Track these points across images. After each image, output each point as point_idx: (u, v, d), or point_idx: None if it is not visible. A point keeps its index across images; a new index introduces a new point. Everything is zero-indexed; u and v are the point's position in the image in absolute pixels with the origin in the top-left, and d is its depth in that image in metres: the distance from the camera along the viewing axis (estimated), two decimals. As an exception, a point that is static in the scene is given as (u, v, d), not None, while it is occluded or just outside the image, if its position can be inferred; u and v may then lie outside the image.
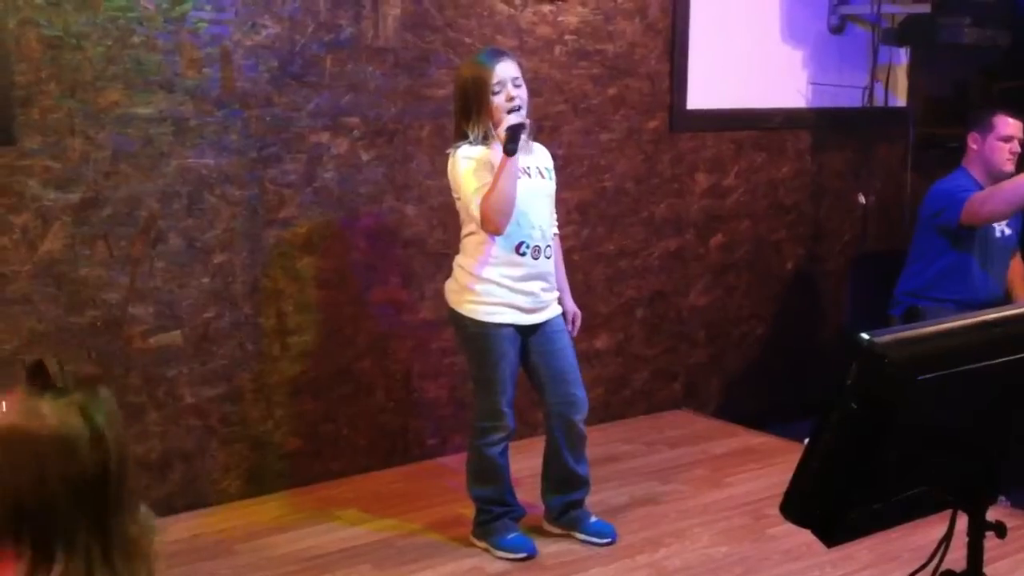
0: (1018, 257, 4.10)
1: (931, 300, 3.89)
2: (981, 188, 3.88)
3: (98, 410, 1.34)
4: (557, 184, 3.13)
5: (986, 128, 3.87)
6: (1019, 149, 3.89)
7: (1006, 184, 3.73)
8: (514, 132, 2.85)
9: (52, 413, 1.32)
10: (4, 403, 1.35)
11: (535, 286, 3.01)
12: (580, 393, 3.12)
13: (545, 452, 3.18)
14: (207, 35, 3.26)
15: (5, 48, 2.96)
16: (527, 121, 2.89)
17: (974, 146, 3.91)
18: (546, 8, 3.92)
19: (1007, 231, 3.97)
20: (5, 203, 3.03)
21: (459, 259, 3.05)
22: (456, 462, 3.34)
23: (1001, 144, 3.86)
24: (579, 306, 3.29)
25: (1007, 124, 3.86)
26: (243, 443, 3.51)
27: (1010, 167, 3.89)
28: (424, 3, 3.65)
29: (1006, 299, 4.00)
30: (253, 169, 3.40)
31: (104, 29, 3.10)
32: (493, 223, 2.87)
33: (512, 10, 3.85)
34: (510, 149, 2.86)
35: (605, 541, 3.17)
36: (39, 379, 1.35)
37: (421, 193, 3.71)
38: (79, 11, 3.06)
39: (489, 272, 2.96)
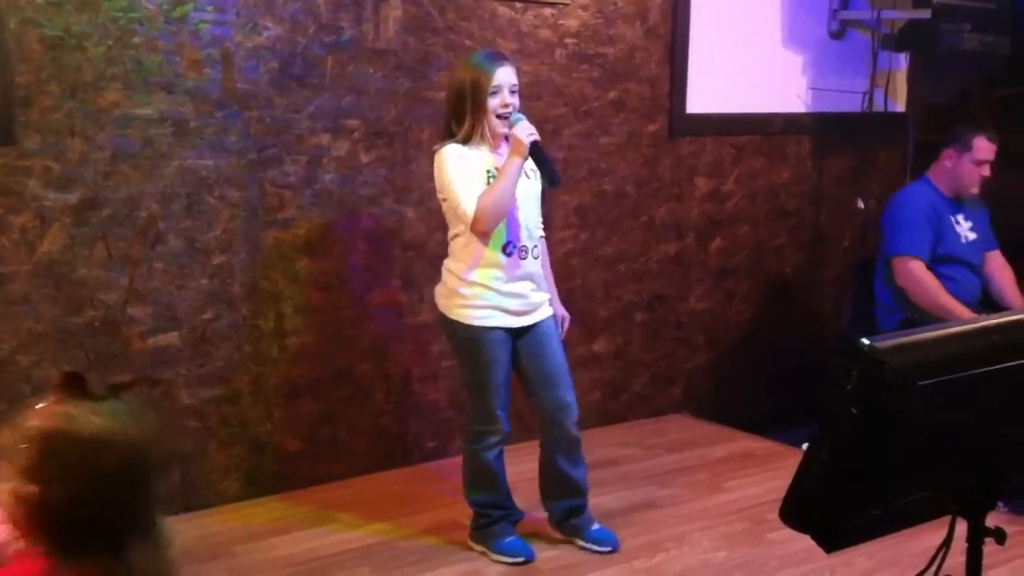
0: (1003, 262, 4.10)
1: (909, 311, 3.89)
2: (944, 200, 3.91)
3: (128, 415, 1.43)
4: (560, 180, 3.13)
5: (963, 147, 3.88)
6: (989, 173, 3.91)
7: (944, 301, 3.76)
8: (538, 150, 2.89)
9: (86, 417, 1.39)
10: (43, 408, 1.41)
11: (523, 287, 3.01)
12: (569, 397, 3.10)
13: (540, 457, 3.18)
14: (208, 36, 3.26)
15: (6, 48, 2.96)
16: (538, 136, 2.91)
17: (947, 163, 3.93)
18: (547, 11, 3.92)
19: (971, 236, 3.98)
20: (4, 203, 3.02)
21: (447, 263, 3.05)
22: (455, 465, 3.34)
23: (974, 168, 3.88)
24: (578, 310, 3.29)
25: (984, 148, 3.86)
26: (242, 445, 3.50)
27: (975, 190, 3.94)
28: (425, 5, 3.65)
29: (987, 303, 3.99)
30: (253, 170, 3.40)
31: (105, 29, 3.10)
32: (485, 224, 2.87)
33: (513, 13, 3.85)
34: (555, 183, 2.96)
35: (606, 549, 3.15)
36: (73, 388, 1.42)
37: (421, 195, 3.71)
38: (80, 11, 3.06)
39: (477, 275, 2.96)
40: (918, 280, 3.84)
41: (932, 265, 3.88)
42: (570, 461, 3.13)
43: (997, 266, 4.09)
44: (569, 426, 3.10)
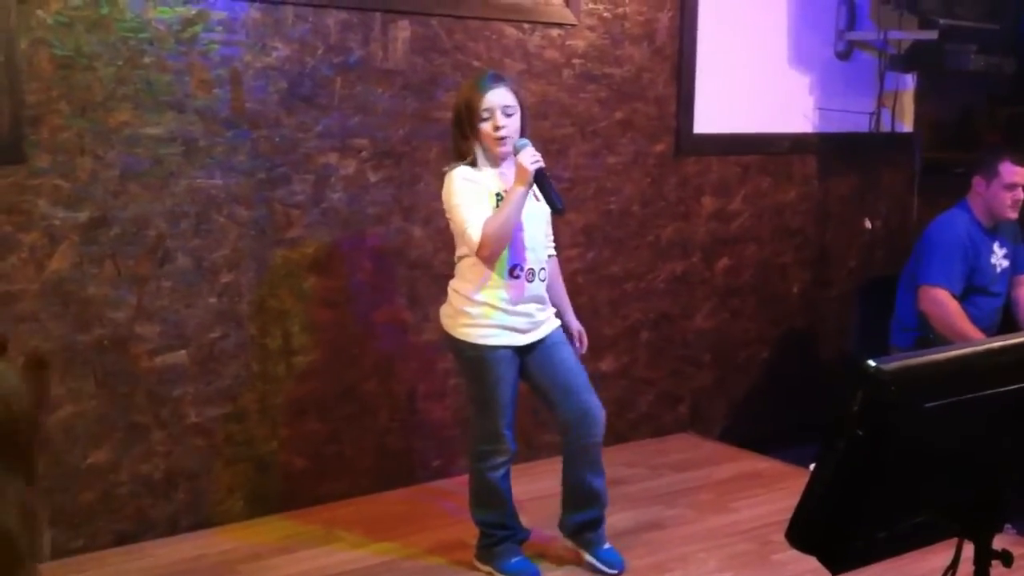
0: None
1: (926, 331, 3.88)
2: (981, 230, 3.90)
3: None
4: (564, 207, 3.13)
5: (991, 174, 3.85)
6: (1023, 196, 3.88)
7: (963, 328, 3.73)
8: (542, 179, 2.87)
9: None
10: None
11: (530, 308, 3.00)
12: (594, 400, 3.06)
13: (562, 468, 3.12)
14: (217, 56, 3.28)
15: (16, 67, 2.98)
16: (543, 163, 2.89)
17: (979, 189, 3.90)
18: (554, 32, 3.94)
19: (1004, 263, 3.96)
20: (14, 222, 3.04)
21: (453, 283, 3.05)
22: (460, 484, 3.34)
23: (1005, 192, 3.84)
24: (584, 328, 3.28)
25: (1012, 172, 3.82)
26: (247, 463, 3.50)
27: (1013, 214, 3.88)
28: (433, 26, 3.67)
29: (1006, 328, 3.98)
30: (261, 189, 3.42)
31: (115, 49, 3.12)
32: (489, 250, 2.87)
33: (520, 34, 3.87)
34: (559, 210, 2.92)
35: (614, 572, 3.12)
36: None
37: (428, 214, 3.72)
38: (91, 32, 3.08)
39: (483, 295, 2.95)
40: (942, 305, 3.81)
41: (960, 295, 3.86)
42: (592, 471, 3.08)
43: None
44: (594, 431, 3.05)
